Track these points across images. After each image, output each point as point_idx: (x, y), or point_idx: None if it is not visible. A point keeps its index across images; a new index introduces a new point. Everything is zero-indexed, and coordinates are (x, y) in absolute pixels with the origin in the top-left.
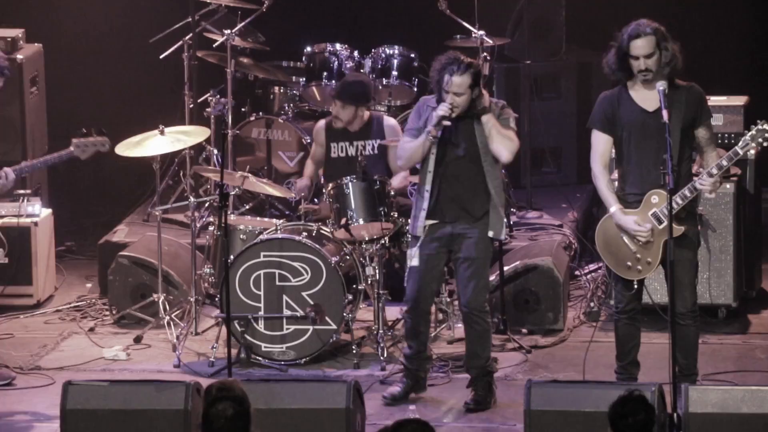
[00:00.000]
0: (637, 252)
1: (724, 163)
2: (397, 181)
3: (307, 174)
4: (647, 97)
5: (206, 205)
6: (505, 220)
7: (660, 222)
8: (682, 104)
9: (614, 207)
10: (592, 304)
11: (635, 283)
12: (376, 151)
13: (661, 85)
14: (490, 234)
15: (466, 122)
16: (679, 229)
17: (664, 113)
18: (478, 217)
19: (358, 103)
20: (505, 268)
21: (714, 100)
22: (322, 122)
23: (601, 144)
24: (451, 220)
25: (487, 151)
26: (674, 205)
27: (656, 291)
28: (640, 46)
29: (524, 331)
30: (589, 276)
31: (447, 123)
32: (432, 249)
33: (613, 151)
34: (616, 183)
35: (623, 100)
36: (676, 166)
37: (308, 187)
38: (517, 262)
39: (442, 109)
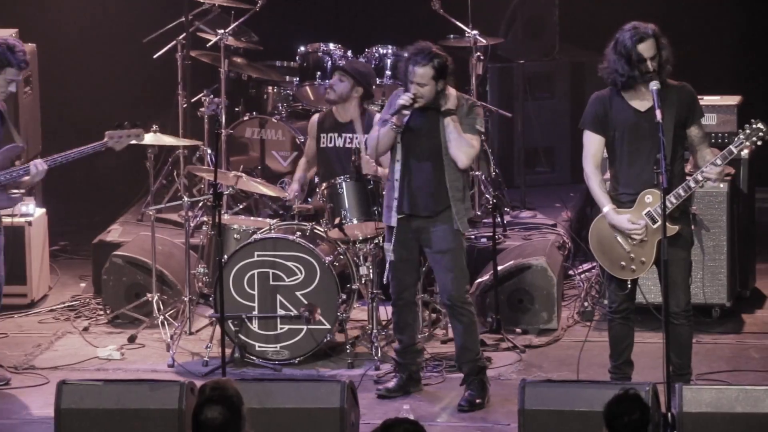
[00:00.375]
0: (631, 252)
1: (719, 162)
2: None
3: (297, 177)
4: (639, 97)
5: (200, 204)
6: (467, 214)
7: (654, 221)
8: (674, 103)
9: (607, 207)
10: (585, 304)
11: (629, 282)
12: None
13: (654, 84)
14: (456, 227)
15: (431, 114)
16: (673, 229)
17: (658, 113)
18: (438, 210)
19: (357, 79)
20: (499, 268)
21: (707, 100)
22: (315, 116)
23: (593, 144)
24: (415, 212)
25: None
26: (668, 205)
27: (650, 290)
28: (647, 49)
29: (518, 330)
30: (582, 275)
31: (406, 112)
32: (404, 241)
33: (605, 151)
34: (608, 183)
35: (615, 101)
36: (669, 165)
37: (298, 193)
38: (511, 262)
39: (403, 98)
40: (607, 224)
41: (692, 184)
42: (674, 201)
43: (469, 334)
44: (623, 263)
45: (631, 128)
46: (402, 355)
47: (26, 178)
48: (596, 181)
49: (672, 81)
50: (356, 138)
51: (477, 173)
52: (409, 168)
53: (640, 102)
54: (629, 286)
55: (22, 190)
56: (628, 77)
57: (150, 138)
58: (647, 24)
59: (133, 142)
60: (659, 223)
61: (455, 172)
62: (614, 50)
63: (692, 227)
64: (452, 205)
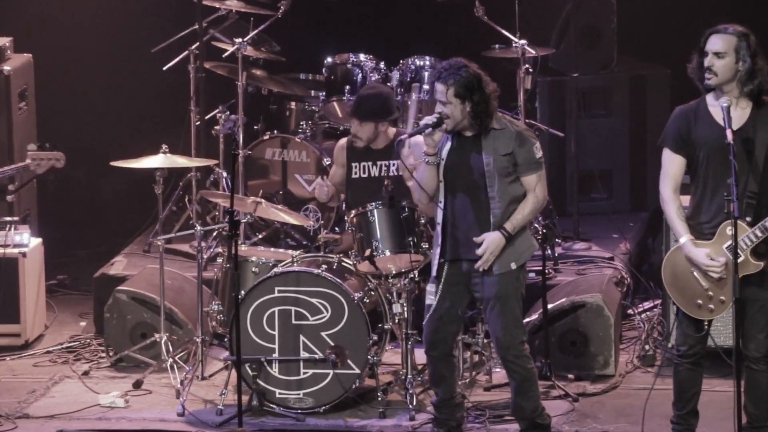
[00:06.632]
0: (709, 289)
1: None
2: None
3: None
4: (731, 114)
5: (214, 234)
6: (521, 254)
7: (736, 256)
8: (766, 124)
9: (684, 237)
10: (647, 347)
11: (706, 323)
12: (401, 173)
13: (725, 101)
14: (512, 266)
15: (467, 145)
16: (757, 265)
17: (728, 133)
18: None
19: (378, 118)
20: (550, 306)
21: None
22: (343, 141)
23: (672, 165)
24: (463, 257)
25: (494, 175)
26: (753, 239)
27: (719, 332)
28: (713, 43)
29: (571, 376)
30: (643, 315)
31: (428, 131)
32: (450, 287)
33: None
34: (686, 209)
35: (701, 116)
36: (756, 193)
37: (327, 190)
38: (563, 299)
39: (427, 118)
40: (684, 257)
41: None
42: (759, 234)
43: (524, 391)
44: (700, 301)
45: (718, 149)
46: (438, 409)
47: None
48: (674, 207)
49: (766, 98)
50: (393, 165)
51: None
52: (453, 208)
53: (732, 120)
54: (706, 327)
55: None
56: (697, 76)
57: (159, 159)
58: (743, 28)
59: (57, 166)
60: (742, 258)
61: (503, 209)
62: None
63: None
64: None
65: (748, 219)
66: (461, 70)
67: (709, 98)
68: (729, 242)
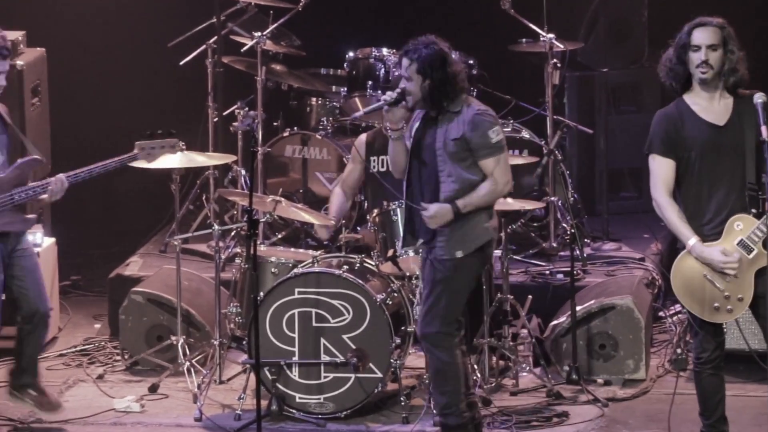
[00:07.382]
0: (725, 290)
1: None
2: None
3: (333, 211)
4: (714, 110)
5: (232, 233)
6: (478, 229)
7: (749, 251)
8: (752, 115)
9: (693, 239)
10: (678, 351)
11: (725, 326)
12: None
13: (760, 97)
14: (458, 254)
15: (432, 125)
16: None
17: (763, 129)
18: (432, 235)
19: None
20: (578, 308)
21: None
22: (363, 137)
23: (663, 169)
24: (423, 239)
25: (446, 159)
26: (764, 229)
27: (754, 335)
28: (704, 36)
29: (600, 381)
30: (675, 318)
31: (385, 108)
32: (425, 273)
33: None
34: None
35: (686, 116)
36: (755, 184)
37: (330, 231)
38: (592, 302)
39: (387, 94)
40: (692, 262)
41: None
42: None
43: (436, 383)
44: (717, 304)
45: (710, 147)
46: None
47: (44, 196)
48: (674, 211)
49: (743, 91)
50: None
51: (552, 199)
52: (411, 190)
53: (716, 115)
54: (725, 330)
55: (34, 215)
56: (681, 73)
57: (176, 157)
58: (716, 17)
59: (168, 155)
60: (755, 251)
61: (455, 194)
62: (673, 46)
63: None
64: (457, 225)
65: (753, 211)
66: (428, 47)
67: (688, 98)
68: (739, 237)
